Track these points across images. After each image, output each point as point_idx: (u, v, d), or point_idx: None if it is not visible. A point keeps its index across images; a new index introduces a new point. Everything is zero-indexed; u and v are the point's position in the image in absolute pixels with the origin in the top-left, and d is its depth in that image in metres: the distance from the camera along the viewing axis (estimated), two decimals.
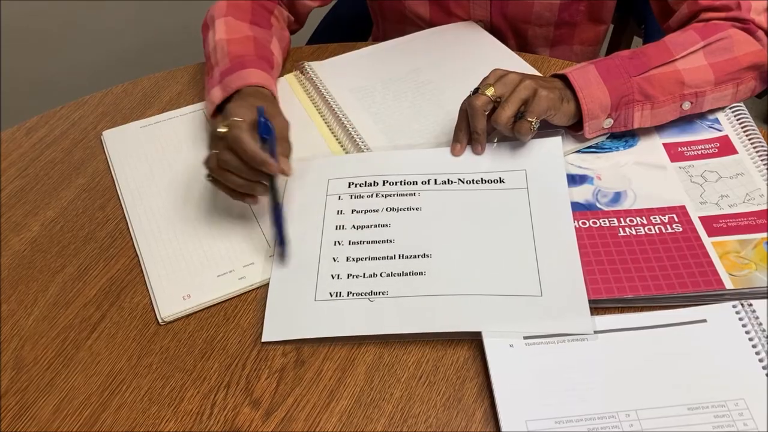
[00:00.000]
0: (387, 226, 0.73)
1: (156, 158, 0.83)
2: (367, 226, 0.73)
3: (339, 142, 0.83)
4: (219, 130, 0.69)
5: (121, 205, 0.79)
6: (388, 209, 0.74)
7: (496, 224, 0.72)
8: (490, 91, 0.74)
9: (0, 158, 0.86)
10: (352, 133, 0.83)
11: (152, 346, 0.66)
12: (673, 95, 0.76)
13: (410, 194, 0.75)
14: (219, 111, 0.79)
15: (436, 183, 0.76)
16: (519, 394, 0.59)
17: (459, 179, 0.76)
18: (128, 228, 0.76)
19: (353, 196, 0.76)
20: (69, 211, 0.79)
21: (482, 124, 0.75)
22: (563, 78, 0.77)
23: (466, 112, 0.76)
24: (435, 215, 0.73)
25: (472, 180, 0.76)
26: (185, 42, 1.74)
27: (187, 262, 0.72)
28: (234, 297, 0.69)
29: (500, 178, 0.76)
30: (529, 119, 0.72)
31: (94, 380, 0.63)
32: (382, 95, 0.88)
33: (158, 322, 0.67)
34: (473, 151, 0.77)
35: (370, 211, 0.75)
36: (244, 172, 0.69)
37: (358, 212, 0.74)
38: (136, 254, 0.73)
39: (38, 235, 0.77)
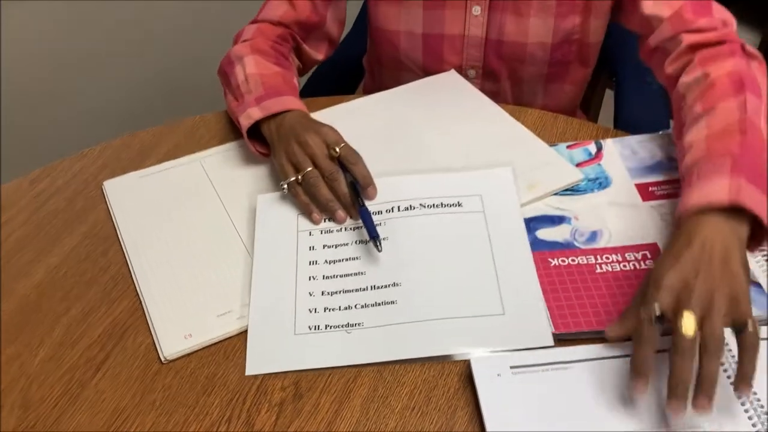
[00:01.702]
0: (357, 258, 0.78)
1: (155, 206, 0.87)
2: (339, 260, 0.78)
3: None
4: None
5: (122, 250, 0.82)
6: (357, 242, 0.79)
7: (457, 248, 0.77)
8: (691, 326, 0.59)
9: (0, 210, 0.90)
10: None
11: (155, 383, 0.69)
12: None
13: (376, 224, 0.79)
14: (253, 130, 0.90)
15: (399, 210, 0.81)
16: (508, 421, 0.62)
17: (420, 204, 0.81)
18: (130, 272, 0.79)
19: (323, 231, 0.81)
20: (72, 257, 0.82)
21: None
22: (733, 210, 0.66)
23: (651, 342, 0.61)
24: (401, 243, 0.78)
25: (432, 204, 0.81)
26: (180, 99, 1.81)
27: (188, 303, 0.75)
28: (233, 336, 0.72)
29: (458, 202, 0.81)
30: (751, 330, 0.60)
31: (99, 417, 0.66)
32: (373, 144, 0.93)
33: (161, 360, 0.70)
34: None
35: (341, 245, 0.79)
36: (341, 191, 0.82)
37: (329, 247, 0.79)
38: (138, 297, 0.77)
39: (43, 280, 0.80)
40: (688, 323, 0.59)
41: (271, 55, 0.99)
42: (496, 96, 1.03)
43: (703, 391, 0.58)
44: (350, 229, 0.81)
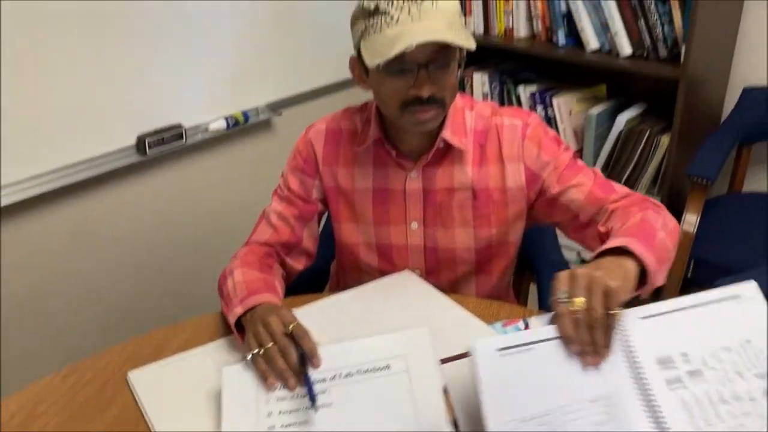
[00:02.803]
0: (306, 422, 0.97)
1: (175, 387, 1.06)
2: (292, 423, 0.97)
3: None
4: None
5: (149, 427, 0.99)
6: (306, 408, 0.98)
7: (387, 402, 0.98)
8: (580, 305, 0.90)
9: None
10: None
11: None
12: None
13: (322, 392, 0.99)
14: (239, 324, 1.12)
15: (341, 377, 1.02)
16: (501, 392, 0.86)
17: (357, 370, 1.02)
18: None
19: (278, 399, 1.00)
20: None
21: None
22: (618, 250, 1.01)
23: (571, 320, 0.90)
24: (343, 406, 0.98)
25: (367, 369, 1.02)
26: (184, 303, 2.02)
27: None
28: None
29: (387, 365, 1.03)
30: (611, 313, 0.90)
31: None
32: (347, 329, 1.14)
33: None
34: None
35: (294, 410, 0.98)
36: (292, 362, 1.00)
37: (283, 413, 0.98)
38: None
39: None
40: (577, 303, 0.90)
41: (256, 266, 1.24)
42: (438, 288, 1.28)
43: (595, 353, 0.89)
44: (300, 396, 1.00)
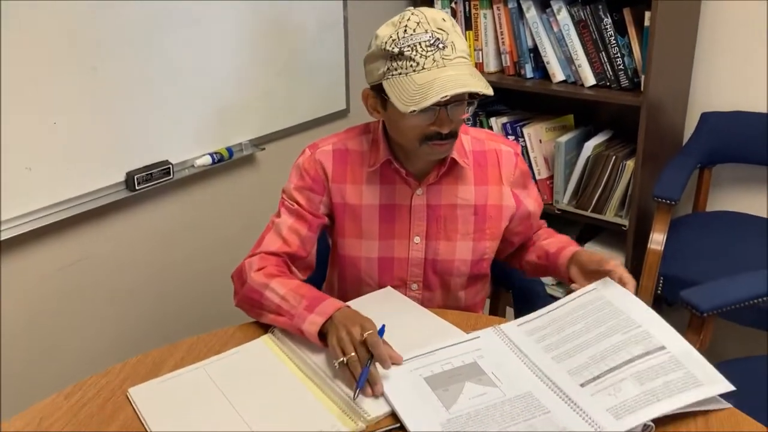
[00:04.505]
0: None
1: (175, 402, 1.12)
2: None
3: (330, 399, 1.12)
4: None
5: None
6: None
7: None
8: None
9: None
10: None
11: None
12: None
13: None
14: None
15: None
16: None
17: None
18: None
19: None
20: None
21: None
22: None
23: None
24: None
25: None
26: (178, 323, 2.08)
27: None
28: None
29: None
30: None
31: None
32: None
33: None
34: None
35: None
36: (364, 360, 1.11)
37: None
38: None
39: None
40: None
41: (285, 275, 1.32)
42: (430, 301, 1.38)
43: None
44: None
